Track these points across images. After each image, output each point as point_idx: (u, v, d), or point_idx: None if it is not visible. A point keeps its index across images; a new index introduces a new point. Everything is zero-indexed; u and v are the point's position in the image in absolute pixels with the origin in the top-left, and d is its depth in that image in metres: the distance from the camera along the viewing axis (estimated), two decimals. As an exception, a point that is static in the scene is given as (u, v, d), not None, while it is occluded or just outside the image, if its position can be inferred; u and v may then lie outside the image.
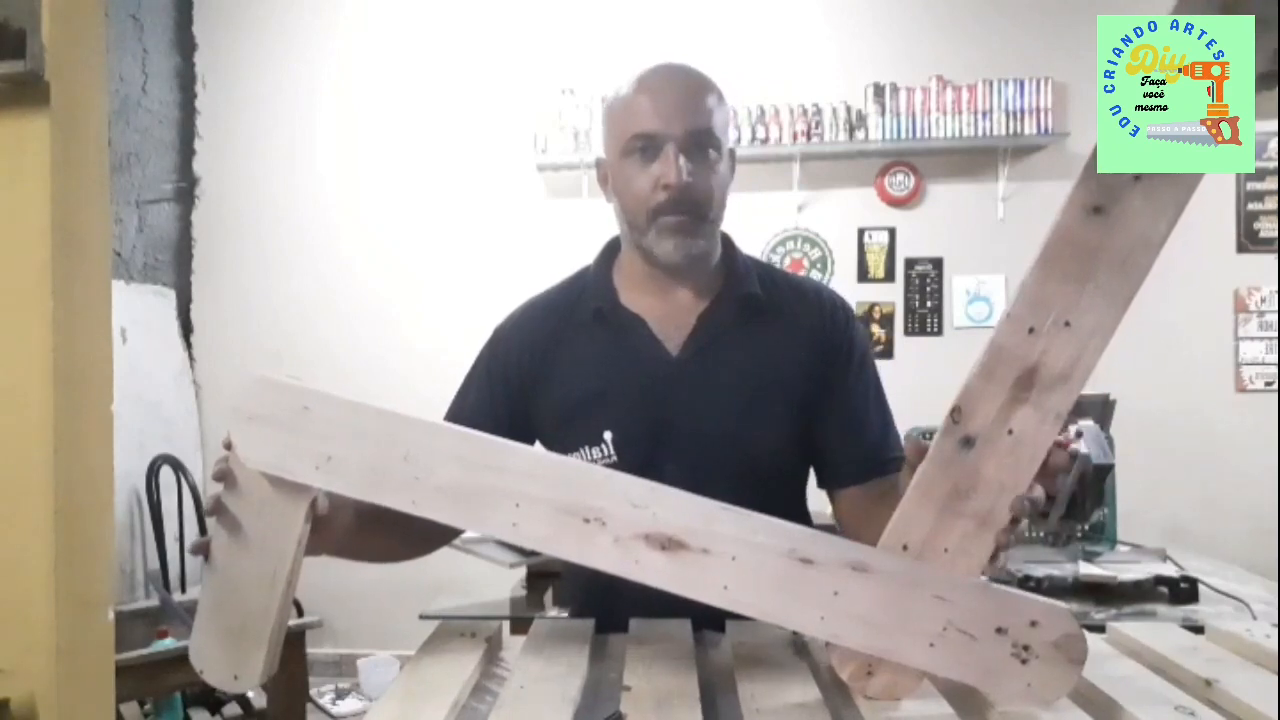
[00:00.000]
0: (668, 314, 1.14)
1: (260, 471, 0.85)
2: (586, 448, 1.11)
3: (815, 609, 0.77)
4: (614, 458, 1.10)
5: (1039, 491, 0.77)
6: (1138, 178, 0.71)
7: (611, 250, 1.22)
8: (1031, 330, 0.73)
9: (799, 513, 1.22)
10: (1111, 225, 0.72)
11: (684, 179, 1.06)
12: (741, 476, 1.06)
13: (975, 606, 0.75)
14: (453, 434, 0.85)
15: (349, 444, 0.83)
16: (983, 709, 0.79)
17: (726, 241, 1.20)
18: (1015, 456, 0.74)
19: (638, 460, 1.08)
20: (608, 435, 1.10)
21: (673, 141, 1.06)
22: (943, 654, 0.75)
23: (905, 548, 0.76)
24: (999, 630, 0.74)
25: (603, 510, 0.79)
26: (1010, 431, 0.74)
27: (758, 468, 1.11)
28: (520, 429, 1.14)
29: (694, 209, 1.08)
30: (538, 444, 1.17)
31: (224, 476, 0.87)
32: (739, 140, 3.47)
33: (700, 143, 1.07)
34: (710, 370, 1.11)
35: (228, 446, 0.86)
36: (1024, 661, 0.74)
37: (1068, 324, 0.72)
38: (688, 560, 0.78)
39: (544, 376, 1.16)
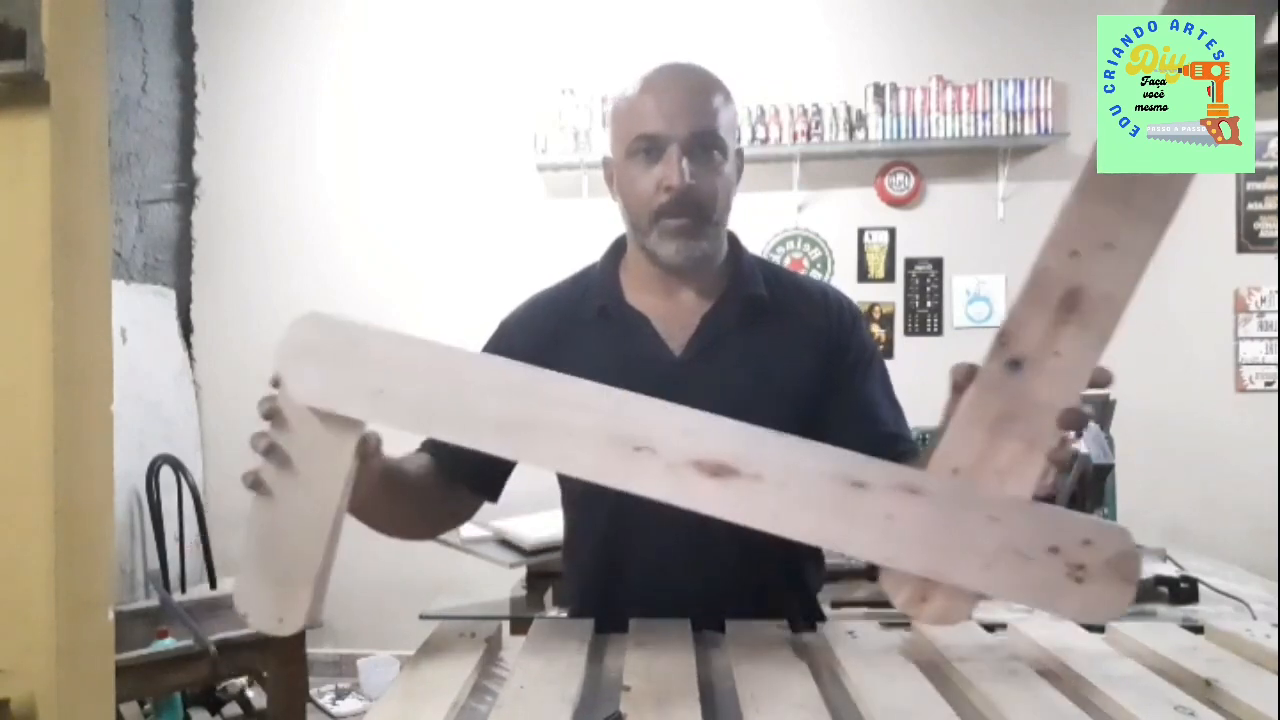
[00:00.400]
0: (672, 313, 1.14)
1: (310, 408, 0.84)
2: None
3: (868, 532, 0.76)
4: None
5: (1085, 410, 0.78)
6: None
7: (618, 248, 1.22)
8: (1074, 253, 0.73)
9: None
10: None
11: (686, 181, 1.06)
12: None
13: (1028, 526, 0.74)
14: (503, 366, 0.85)
15: (400, 378, 0.83)
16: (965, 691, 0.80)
17: (733, 241, 1.20)
18: (1062, 376, 0.75)
19: None
20: None
21: (676, 143, 1.06)
22: (998, 575, 0.75)
23: (955, 471, 0.76)
24: (1052, 549, 0.74)
25: (653, 438, 0.79)
26: (1057, 353, 0.75)
27: None
28: None
29: (696, 211, 1.08)
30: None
31: (273, 415, 0.86)
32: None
33: (704, 144, 1.07)
34: (713, 370, 1.11)
35: (275, 384, 0.86)
36: (1079, 580, 0.73)
37: (1109, 245, 0.72)
38: (738, 486, 0.77)
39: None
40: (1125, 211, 0.72)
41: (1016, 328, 0.76)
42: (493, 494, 1.20)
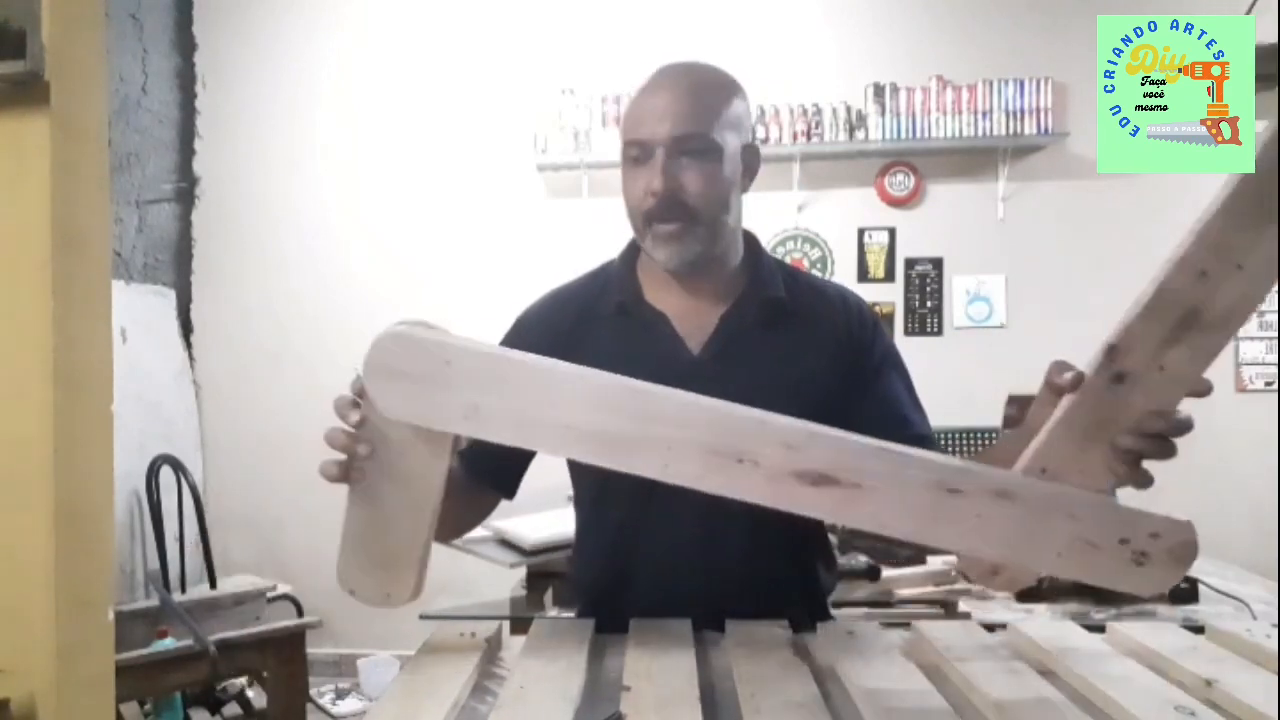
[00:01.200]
0: (690, 312, 1.14)
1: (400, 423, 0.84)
2: None
3: (956, 531, 0.80)
4: None
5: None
6: None
7: (636, 245, 1.22)
8: (1204, 274, 0.73)
9: (815, 519, 1.23)
10: None
11: (667, 185, 1.06)
12: None
13: (1103, 522, 0.80)
14: (600, 382, 0.84)
15: (494, 393, 0.83)
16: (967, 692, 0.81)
17: (752, 242, 1.20)
18: (1163, 389, 0.77)
19: None
20: None
21: (661, 147, 1.06)
22: (1067, 562, 0.80)
23: (1044, 470, 0.80)
24: (1122, 541, 0.79)
25: (757, 454, 0.80)
26: (1162, 368, 0.77)
27: None
28: None
29: (684, 214, 1.07)
30: None
31: (361, 422, 0.85)
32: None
33: (692, 147, 1.07)
34: (730, 371, 1.11)
35: (360, 395, 0.85)
36: (1140, 565, 0.79)
37: (1240, 267, 0.73)
38: (838, 493, 0.80)
39: None
40: (1260, 234, 0.72)
41: (1128, 343, 0.77)
42: (511, 491, 1.21)
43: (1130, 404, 0.77)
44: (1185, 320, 0.74)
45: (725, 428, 0.81)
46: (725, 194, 1.10)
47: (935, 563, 1.98)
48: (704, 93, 1.09)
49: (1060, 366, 0.82)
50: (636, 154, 1.09)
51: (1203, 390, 0.79)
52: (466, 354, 0.83)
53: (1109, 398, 0.77)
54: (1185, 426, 0.79)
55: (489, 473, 1.16)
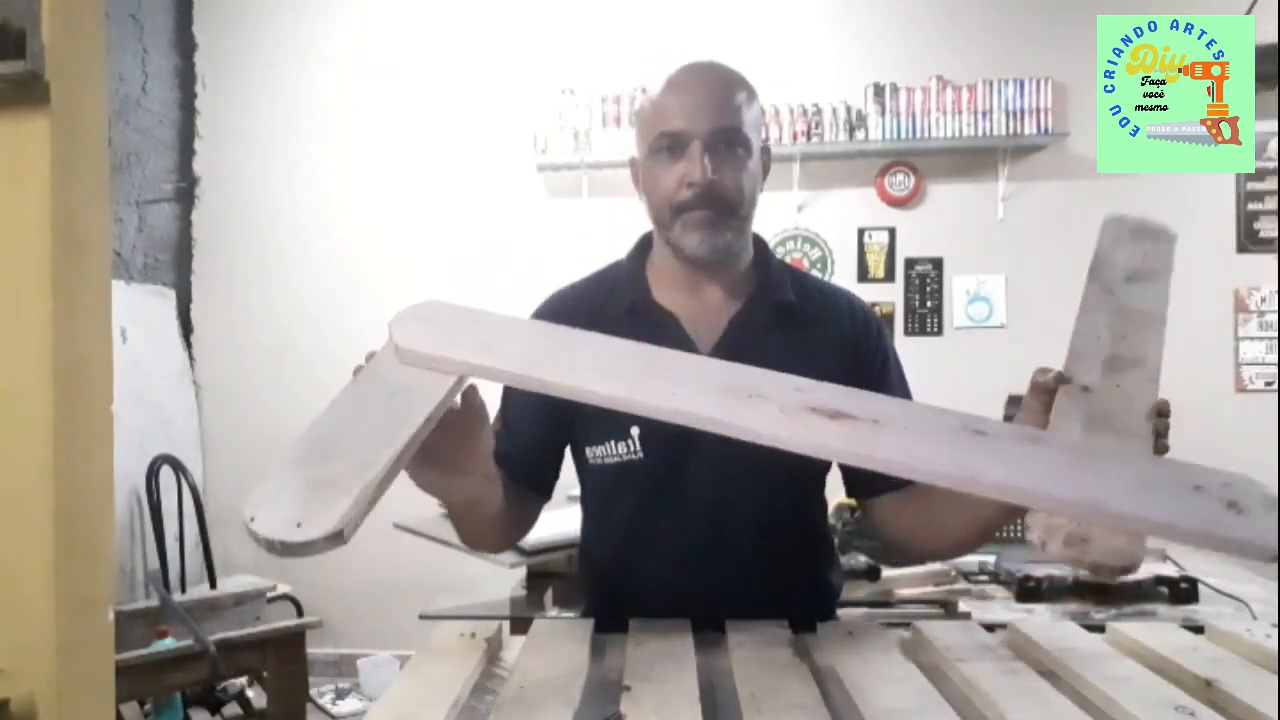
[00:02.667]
0: (700, 313, 1.15)
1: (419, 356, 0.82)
2: (613, 442, 1.11)
3: (1002, 465, 0.69)
4: (640, 454, 1.10)
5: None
6: None
7: (644, 246, 1.22)
8: (1099, 338, 0.88)
9: (819, 517, 1.23)
10: None
11: (708, 176, 1.06)
12: (765, 479, 1.07)
13: (1160, 470, 0.71)
14: (613, 350, 0.85)
15: (509, 340, 0.85)
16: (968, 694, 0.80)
17: (761, 245, 1.20)
18: (1129, 397, 0.82)
19: (663, 457, 1.09)
20: (634, 431, 1.10)
21: (698, 139, 1.07)
22: (1152, 504, 0.67)
23: None
24: (1196, 488, 0.68)
25: (765, 390, 0.77)
26: (1118, 386, 0.84)
27: (782, 471, 1.10)
28: (563, 416, 1.13)
29: (720, 205, 1.08)
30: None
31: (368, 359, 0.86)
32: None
33: (727, 141, 1.08)
34: None
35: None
36: (1240, 512, 0.66)
37: (1123, 339, 0.85)
38: (858, 428, 0.73)
39: None
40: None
41: (1075, 377, 0.83)
42: (548, 490, 1.21)
43: (1108, 400, 0.81)
44: (1110, 364, 0.80)
45: (734, 370, 0.81)
46: (754, 190, 1.12)
47: (935, 562, 1.98)
48: (734, 91, 1.10)
49: (1042, 371, 0.86)
50: (669, 145, 1.09)
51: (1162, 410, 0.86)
52: (486, 316, 0.87)
53: (1085, 401, 0.81)
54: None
55: (525, 477, 1.15)
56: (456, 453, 0.88)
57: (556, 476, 1.21)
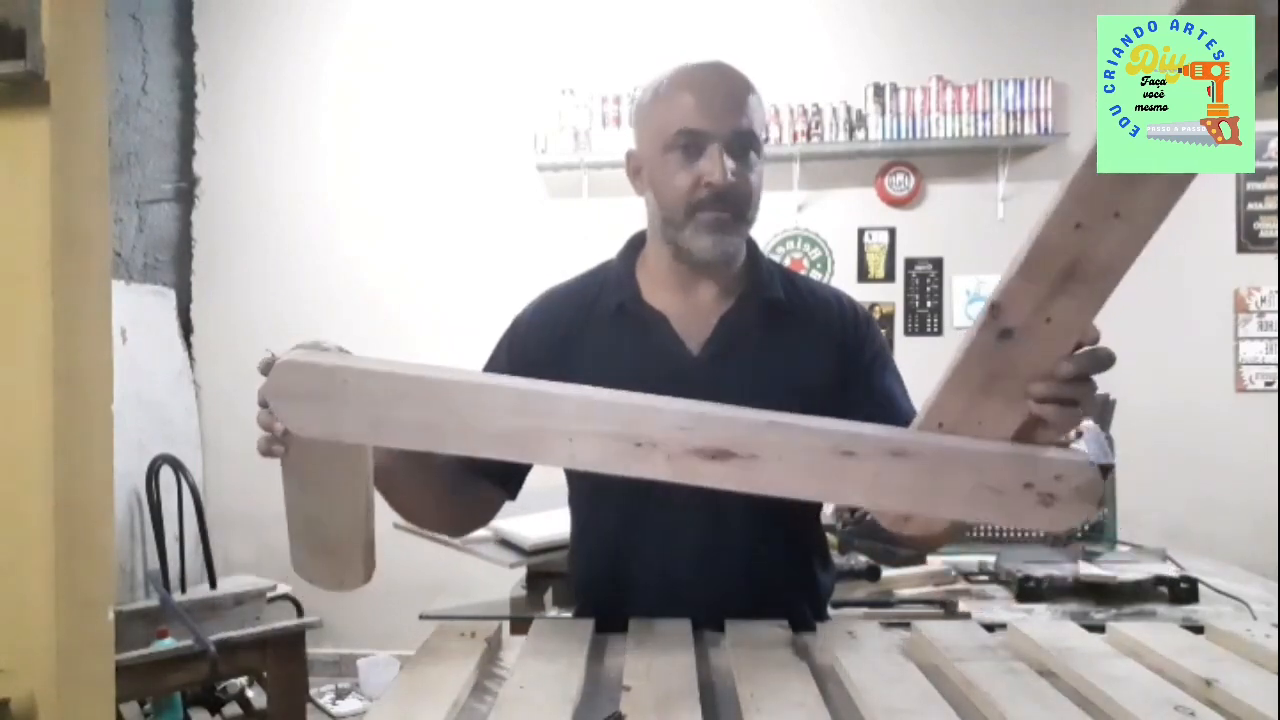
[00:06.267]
0: (690, 313, 1.14)
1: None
2: None
3: (857, 488, 0.84)
4: None
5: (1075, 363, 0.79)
6: None
7: (635, 246, 1.21)
8: (1079, 225, 0.73)
9: (812, 516, 1.23)
10: None
11: (729, 178, 1.06)
12: None
13: (1005, 470, 0.81)
14: (495, 387, 0.87)
15: (395, 408, 0.85)
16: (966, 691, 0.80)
17: (750, 244, 1.20)
18: (1051, 340, 0.78)
19: None
20: None
21: (718, 140, 1.06)
22: (974, 507, 0.83)
23: (940, 426, 0.83)
24: (1026, 485, 0.81)
25: (654, 438, 0.83)
26: (1048, 320, 0.77)
27: None
28: None
29: (735, 208, 1.08)
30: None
31: (271, 430, 0.88)
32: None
33: (744, 143, 1.07)
34: (730, 371, 1.11)
35: (266, 369, 0.86)
36: (1047, 506, 0.81)
37: (1117, 215, 0.73)
38: (737, 464, 0.83)
39: (563, 368, 1.14)
40: (1133, 180, 0.72)
41: (1009, 300, 0.77)
42: (513, 490, 1.20)
43: (1022, 355, 0.78)
44: (1066, 271, 0.75)
45: (620, 419, 0.84)
46: (760, 194, 1.12)
47: (935, 563, 1.98)
48: (749, 92, 1.10)
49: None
50: (686, 143, 1.08)
51: (1091, 338, 0.79)
52: (361, 374, 0.85)
53: (998, 352, 0.78)
54: (1104, 361, 0.79)
55: (489, 471, 1.15)
56: None
57: (522, 476, 1.19)
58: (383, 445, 0.88)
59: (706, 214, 1.08)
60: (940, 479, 0.82)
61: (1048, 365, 0.78)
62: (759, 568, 1.12)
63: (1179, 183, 0.72)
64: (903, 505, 0.85)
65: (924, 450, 0.81)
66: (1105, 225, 0.73)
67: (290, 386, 0.85)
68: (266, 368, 0.86)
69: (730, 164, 1.06)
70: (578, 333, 1.16)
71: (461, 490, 1.15)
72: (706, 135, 1.06)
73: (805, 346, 1.14)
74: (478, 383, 0.86)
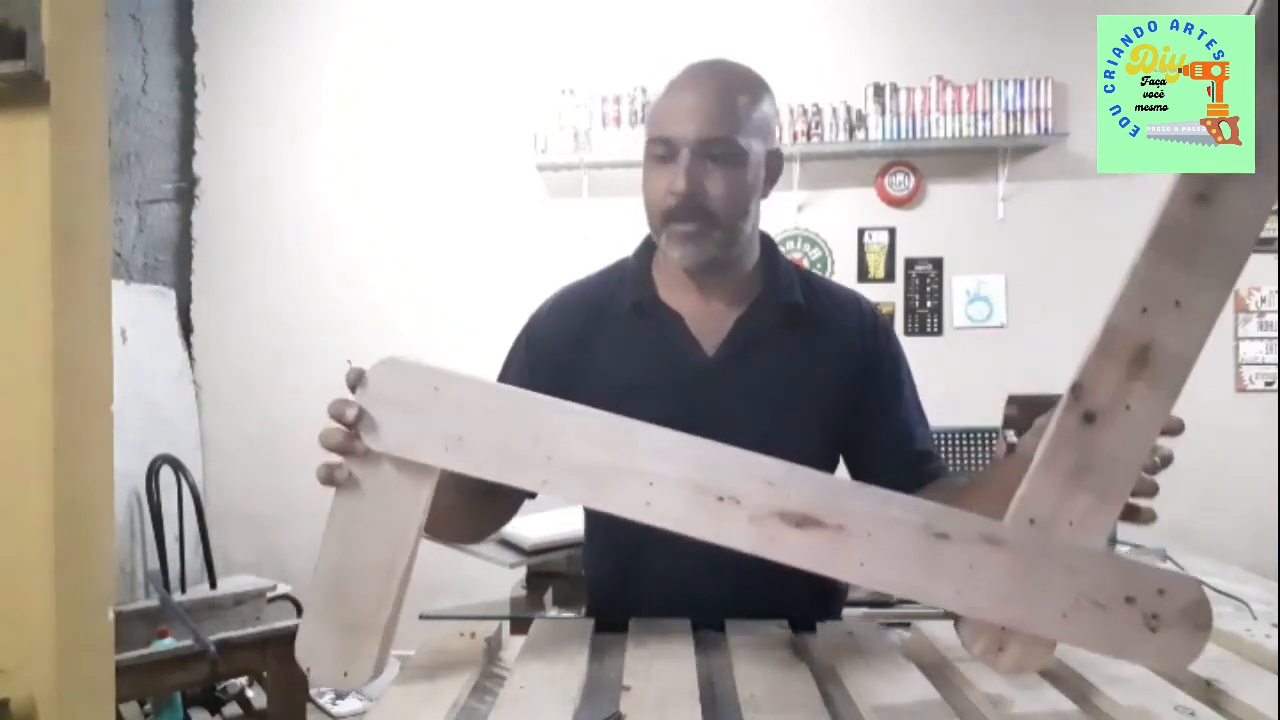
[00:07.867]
0: (706, 314, 1.14)
1: (386, 455, 0.83)
2: None
3: (951, 583, 0.76)
4: None
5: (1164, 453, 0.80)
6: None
7: (651, 245, 1.20)
8: (1144, 310, 0.74)
9: None
10: (1215, 211, 0.74)
11: (690, 188, 1.04)
12: None
13: (1105, 577, 0.76)
14: (583, 413, 0.83)
15: (479, 424, 0.82)
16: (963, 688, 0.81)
17: (768, 245, 1.19)
18: (1134, 430, 0.76)
19: None
20: None
21: (686, 147, 1.05)
22: (1076, 625, 0.75)
23: (1032, 521, 0.77)
24: (1128, 599, 0.75)
25: (737, 489, 0.79)
26: (1128, 407, 0.76)
27: None
28: None
29: (703, 216, 1.06)
30: None
31: (350, 450, 0.83)
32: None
33: (716, 150, 1.05)
34: (744, 373, 1.10)
35: (356, 380, 0.83)
36: (1153, 630, 0.75)
37: (1177, 304, 0.74)
38: (824, 537, 0.78)
39: (579, 366, 1.14)
40: (1191, 271, 0.73)
41: (1090, 381, 0.76)
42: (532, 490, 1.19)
43: (1104, 445, 0.76)
44: (1139, 357, 0.75)
45: (704, 462, 0.80)
46: (746, 200, 1.09)
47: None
48: (734, 95, 1.07)
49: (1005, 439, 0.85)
50: (661, 152, 1.07)
51: (1175, 428, 0.79)
52: (454, 381, 0.83)
53: (1083, 439, 0.76)
54: (1165, 462, 0.80)
55: None
56: None
57: None
58: (453, 468, 0.82)
59: (675, 225, 1.07)
60: (1038, 582, 0.76)
61: (1133, 456, 0.77)
62: (772, 565, 1.12)
63: (1228, 276, 0.76)
64: (999, 612, 0.76)
65: (1019, 540, 0.76)
66: (1168, 311, 0.74)
67: (388, 390, 0.82)
68: (356, 378, 0.83)
69: (695, 172, 1.04)
70: (593, 332, 1.15)
71: (481, 497, 1.13)
72: (675, 142, 1.06)
73: (821, 350, 1.14)
74: (562, 404, 0.83)
